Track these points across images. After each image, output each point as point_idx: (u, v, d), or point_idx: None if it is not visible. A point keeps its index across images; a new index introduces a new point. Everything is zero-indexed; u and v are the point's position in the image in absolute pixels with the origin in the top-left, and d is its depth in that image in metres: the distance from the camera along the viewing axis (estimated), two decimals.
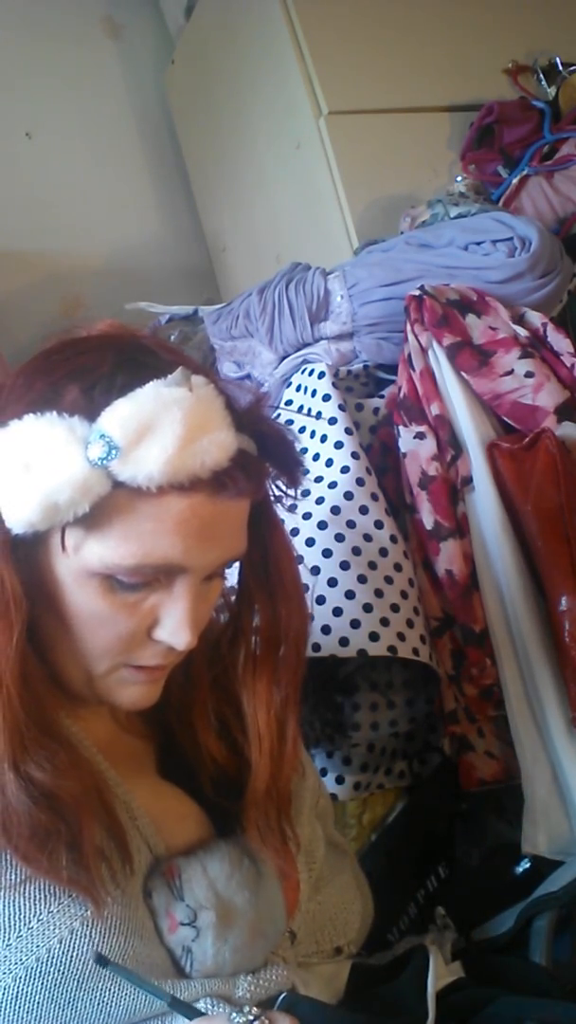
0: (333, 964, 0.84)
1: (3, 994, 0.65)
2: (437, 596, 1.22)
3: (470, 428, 1.23)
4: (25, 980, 0.65)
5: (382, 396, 1.36)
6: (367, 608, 1.12)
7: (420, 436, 1.24)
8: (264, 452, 0.72)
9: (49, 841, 0.65)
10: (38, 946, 0.65)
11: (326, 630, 1.10)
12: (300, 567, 0.81)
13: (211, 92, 1.99)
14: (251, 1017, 0.66)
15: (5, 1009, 0.65)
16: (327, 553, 1.15)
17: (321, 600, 1.12)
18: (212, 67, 1.97)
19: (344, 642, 1.10)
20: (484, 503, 1.21)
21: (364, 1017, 0.76)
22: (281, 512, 0.79)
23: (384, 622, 1.12)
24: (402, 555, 1.19)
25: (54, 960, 0.65)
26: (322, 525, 1.17)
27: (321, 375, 1.31)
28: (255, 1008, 0.67)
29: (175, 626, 0.70)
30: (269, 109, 1.81)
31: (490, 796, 1.21)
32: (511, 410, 1.23)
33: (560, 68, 1.72)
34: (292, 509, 0.80)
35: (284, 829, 0.80)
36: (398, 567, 1.18)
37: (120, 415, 0.64)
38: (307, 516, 1.19)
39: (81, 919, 0.66)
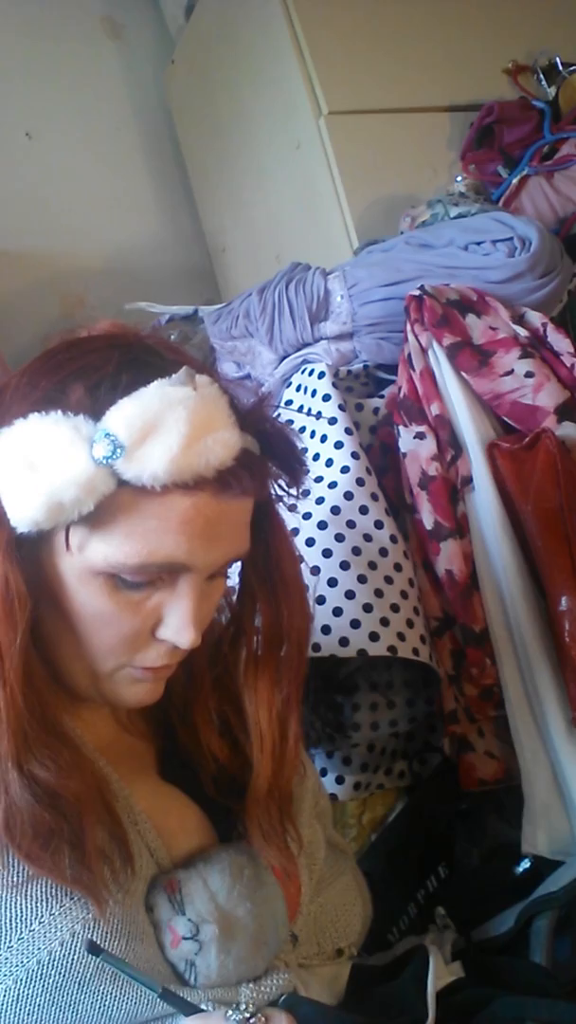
0: (334, 965, 0.84)
1: (3, 996, 0.65)
2: (437, 596, 1.22)
3: (470, 428, 1.23)
4: (26, 983, 0.65)
5: (382, 396, 1.36)
6: (367, 608, 1.12)
7: (420, 436, 1.24)
8: (267, 451, 0.72)
9: (52, 840, 0.65)
10: (39, 949, 0.65)
11: (326, 630, 1.10)
12: (301, 567, 0.81)
13: (211, 92, 1.99)
14: (247, 1015, 0.66)
15: (5, 1012, 0.65)
16: (327, 553, 1.15)
17: (321, 600, 1.12)
18: (212, 67, 1.97)
19: (344, 642, 1.10)
20: (484, 503, 1.21)
21: (364, 1018, 0.76)
22: (281, 512, 0.79)
23: (384, 622, 1.12)
24: (402, 555, 1.19)
25: (55, 963, 0.65)
26: (322, 525, 1.17)
27: (321, 375, 1.31)
28: (251, 1005, 0.67)
29: (179, 625, 0.70)
30: (269, 109, 1.81)
31: (490, 796, 1.20)
32: (511, 410, 1.23)
33: (560, 68, 1.72)
34: (293, 509, 0.80)
35: (286, 828, 0.80)
36: (398, 567, 1.18)
37: (125, 414, 0.64)
38: (307, 516, 1.19)
39: (83, 922, 0.66)
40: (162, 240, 2.20)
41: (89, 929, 0.66)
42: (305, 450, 0.76)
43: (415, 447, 1.24)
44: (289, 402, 1.35)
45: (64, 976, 0.65)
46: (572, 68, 1.71)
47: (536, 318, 1.30)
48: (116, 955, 0.66)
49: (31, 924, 0.66)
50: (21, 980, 0.65)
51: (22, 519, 0.64)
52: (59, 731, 0.69)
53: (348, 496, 1.19)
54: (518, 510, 1.19)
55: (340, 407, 1.26)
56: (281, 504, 0.78)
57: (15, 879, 0.66)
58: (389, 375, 1.36)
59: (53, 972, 0.65)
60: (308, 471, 0.77)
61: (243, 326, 1.44)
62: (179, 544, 0.66)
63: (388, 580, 1.16)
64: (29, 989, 0.65)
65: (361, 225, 1.64)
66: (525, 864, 1.14)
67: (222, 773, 0.81)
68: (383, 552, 1.17)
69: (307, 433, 1.28)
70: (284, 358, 1.42)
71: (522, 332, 1.28)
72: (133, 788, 0.75)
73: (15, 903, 0.66)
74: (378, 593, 1.14)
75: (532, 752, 1.15)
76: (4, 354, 1.69)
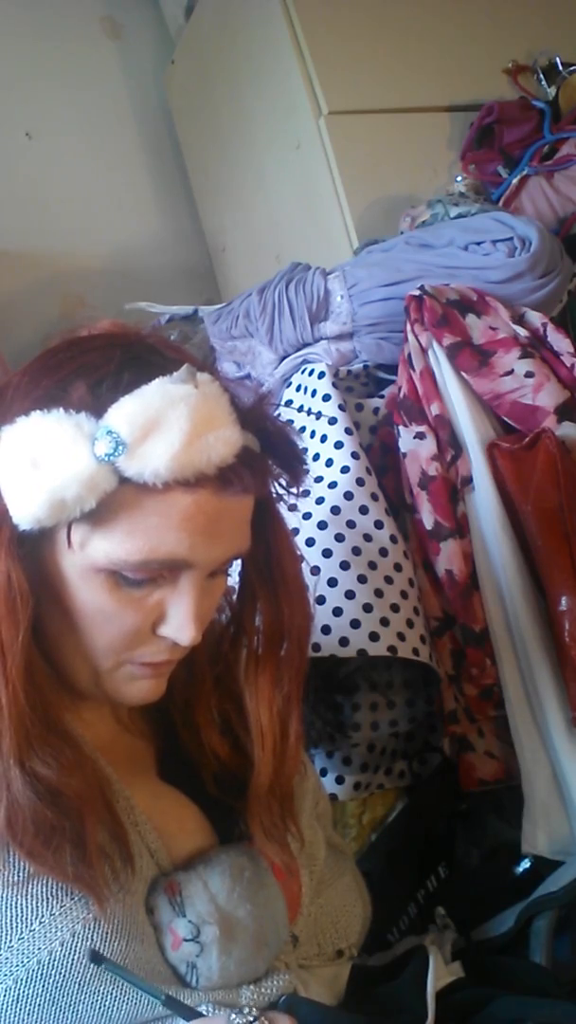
0: (334, 966, 0.84)
1: (3, 996, 0.65)
2: (437, 596, 1.22)
3: (470, 428, 1.23)
4: (26, 982, 0.65)
5: (382, 396, 1.36)
6: (367, 608, 1.12)
7: (420, 436, 1.24)
8: (268, 449, 0.72)
9: (54, 838, 0.65)
10: (39, 948, 0.65)
11: (326, 630, 1.10)
12: (302, 566, 0.82)
13: (211, 92, 1.99)
14: (251, 1018, 0.66)
15: (5, 1011, 0.65)
16: (327, 553, 1.15)
17: (321, 600, 1.12)
18: (212, 67, 1.97)
19: (344, 642, 1.10)
20: (484, 503, 1.21)
21: (364, 1018, 0.76)
22: (282, 512, 0.79)
23: (384, 622, 1.12)
24: (402, 555, 1.19)
25: (55, 963, 0.65)
26: (322, 525, 1.17)
27: (321, 375, 1.31)
28: (255, 1009, 0.67)
29: (180, 622, 0.70)
30: (269, 109, 1.81)
31: (490, 796, 1.21)
32: (511, 410, 1.23)
33: (560, 68, 1.72)
34: (293, 509, 0.80)
35: (288, 825, 0.80)
36: (398, 567, 1.18)
37: (127, 411, 0.64)
38: (307, 516, 1.19)
39: (83, 922, 0.66)
40: (162, 240, 2.20)
41: (90, 929, 0.66)
42: (305, 449, 0.76)
43: (415, 447, 1.24)
44: (289, 402, 1.35)
45: (64, 976, 0.65)
46: (572, 68, 1.71)
47: (536, 318, 1.30)
48: (117, 961, 0.66)
49: (31, 924, 0.66)
50: (21, 980, 0.65)
51: (24, 516, 0.64)
52: (61, 729, 0.70)
53: (348, 496, 1.19)
54: (518, 510, 1.19)
55: (340, 407, 1.26)
56: (281, 504, 0.79)
57: (15, 878, 0.66)
58: (389, 375, 1.36)
59: (53, 972, 0.65)
60: (308, 470, 0.77)
61: (243, 326, 1.44)
62: (180, 541, 0.67)
63: (388, 580, 1.16)
64: (29, 989, 0.65)
65: (361, 225, 1.64)
66: (525, 864, 1.15)
67: (223, 771, 0.81)
68: (383, 552, 1.17)
69: (307, 433, 1.28)
70: (284, 358, 1.42)
71: (522, 332, 1.28)
72: (133, 790, 0.75)
73: (15, 903, 0.66)
74: (378, 593, 1.14)
75: (532, 752, 1.15)
76: (4, 354, 1.69)
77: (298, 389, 1.35)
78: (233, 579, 0.81)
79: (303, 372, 1.37)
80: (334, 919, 0.85)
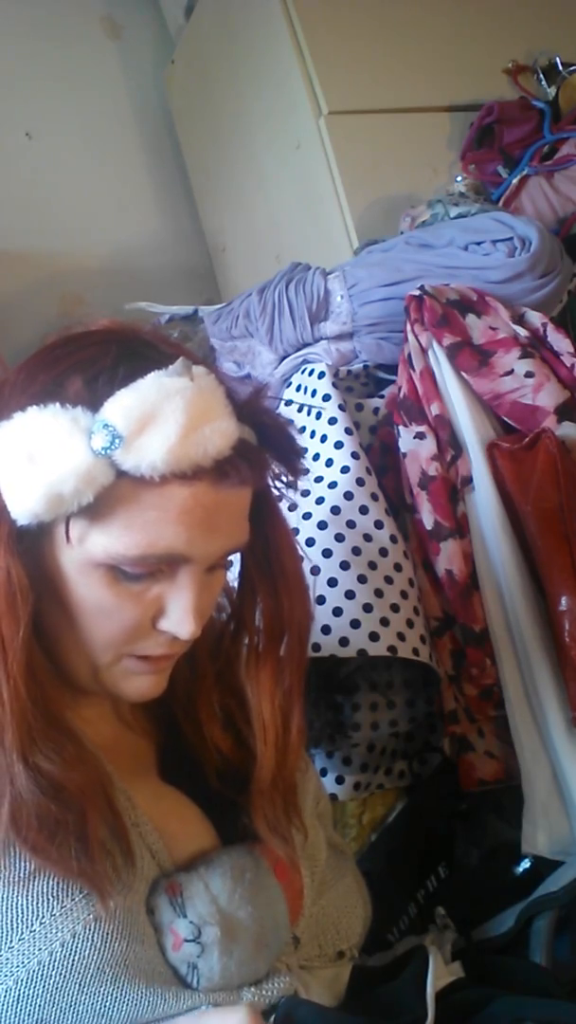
0: (334, 967, 0.84)
1: (4, 996, 0.65)
2: (437, 596, 1.22)
3: (470, 428, 1.23)
4: (27, 983, 0.65)
5: (382, 396, 1.36)
6: (367, 608, 1.12)
7: (420, 436, 1.24)
8: (265, 442, 0.72)
9: (58, 832, 0.65)
10: (40, 949, 0.65)
11: (326, 630, 1.10)
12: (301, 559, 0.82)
13: (211, 92, 1.99)
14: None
15: (6, 1012, 0.65)
16: (327, 553, 1.15)
17: (321, 600, 1.12)
18: (212, 67, 1.97)
19: (344, 642, 1.10)
20: (484, 503, 1.21)
21: (363, 1019, 0.76)
22: (280, 505, 0.79)
23: (384, 622, 1.12)
24: (402, 555, 1.19)
25: (56, 963, 0.65)
26: (322, 525, 1.17)
27: (321, 375, 1.31)
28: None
29: (180, 616, 0.70)
30: (269, 109, 1.80)
31: (490, 796, 1.20)
32: (511, 410, 1.23)
33: (560, 68, 1.72)
34: (293, 508, 0.80)
35: (291, 818, 0.80)
36: (398, 567, 1.18)
37: (123, 405, 0.64)
38: (307, 516, 1.19)
39: (83, 923, 0.66)
40: (162, 240, 2.20)
41: (90, 930, 0.66)
42: (305, 449, 0.76)
43: (415, 447, 1.24)
44: (289, 402, 1.35)
45: (64, 977, 0.65)
46: (572, 68, 1.71)
47: (536, 318, 1.30)
48: (118, 961, 0.66)
49: (32, 925, 0.65)
50: (21, 980, 0.65)
51: (22, 511, 0.64)
52: (62, 725, 0.70)
53: (348, 496, 1.19)
54: (518, 510, 1.19)
55: (340, 407, 1.26)
56: (281, 501, 0.79)
57: (16, 876, 0.66)
58: (389, 375, 1.36)
59: (54, 973, 0.65)
60: (306, 463, 0.77)
61: (243, 326, 1.44)
62: (179, 535, 0.67)
63: (388, 580, 1.16)
64: (29, 990, 0.65)
65: (361, 225, 1.64)
66: (525, 864, 1.15)
67: (226, 766, 0.81)
68: (383, 552, 1.17)
69: (307, 433, 1.28)
70: (284, 358, 1.42)
71: (522, 332, 1.28)
72: (134, 790, 0.75)
73: (16, 904, 0.66)
74: (378, 593, 1.14)
75: (532, 752, 1.15)
76: (4, 354, 1.69)
77: (298, 389, 1.35)
78: (233, 575, 0.81)
79: (303, 372, 1.37)
80: (335, 920, 0.85)
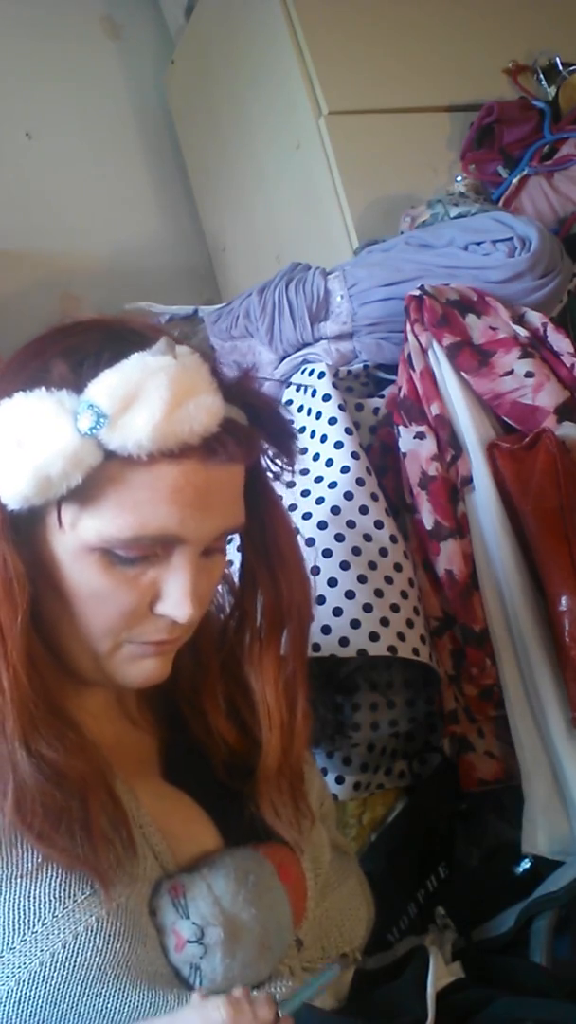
0: None
1: (6, 997, 0.65)
2: (437, 596, 1.22)
3: (470, 428, 1.23)
4: (28, 984, 0.65)
5: (382, 396, 1.36)
6: (367, 608, 1.12)
7: (420, 436, 1.24)
8: (256, 424, 0.72)
9: (62, 819, 0.65)
10: (42, 950, 0.65)
11: (326, 630, 1.10)
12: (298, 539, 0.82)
13: (211, 92, 1.99)
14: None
15: (8, 1012, 0.65)
16: (327, 553, 1.15)
17: (321, 600, 1.12)
18: (212, 67, 1.97)
19: (344, 642, 1.10)
20: (484, 503, 1.21)
21: (363, 1021, 0.76)
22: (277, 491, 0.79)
23: (384, 622, 1.12)
24: (402, 555, 1.19)
25: (58, 964, 0.65)
26: (322, 525, 1.17)
27: (321, 375, 1.31)
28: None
29: (177, 599, 0.69)
30: (269, 109, 1.80)
31: (490, 796, 1.20)
32: (511, 410, 1.23)
33: (560, 68, 1.72)
34: (291, 486, 0.80)
35: (298, 803, 0.80)
36: (398, 567, 1.18)
37: (107, 384, 0.65)
38: (307, 516, 1.19)
39: (86, 924, 0.66)
40: (162, 240, 2.20)
41: (93, 932, 0.66)
42: (302, 429, 0.77)
43: (415, 447, 1.24)
44: (289, 402, 1.35)
45: (67, 978, 0.65)
46: (572, 68, 1.71)
47: (536, 318, 1.30)
48: (120, 962, 0.66)
49: (34, 926, 0.65)
50: (23, 982, 0.65)
51: (12, 495, 0.65)
52: (64, 715, 0.69)
53: (348, 496, 1.19)
54: (518, 510, 1.19)
55: (340, 407, 1.26)
56: (278, 481, 0.79)
57: (21, 871, 0.66)
58: (389, 375, 1.36)
59: (56, 974, 0.65)
60: (299, 443, 0.77)
61: (243, 326, 1.44)
62: (171, 515, 0.67)
63: (388, 580, 1.16)
64: (31, 990, 0.65)
65: (361, 225, 1.64)
66: (525, 864, 1.14)
67: (233, 758, 0.81)
68: (383, 552, 1.17)
69: (307, 433, 1.28)
70: (284, 358, 1.42)
71: (522, 332, 1.28)
72: (138, 789, 0.75)
73: (19, 904, 0.66)
74: (378, 593, 1.14)
75: (532, 752, 1.15)
76: (4, 354, 1.69)
77: (298, 389, 1.35)
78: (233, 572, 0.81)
79: (303, 372, 1.37)
80: (339, 923, 0.85)
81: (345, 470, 1.21)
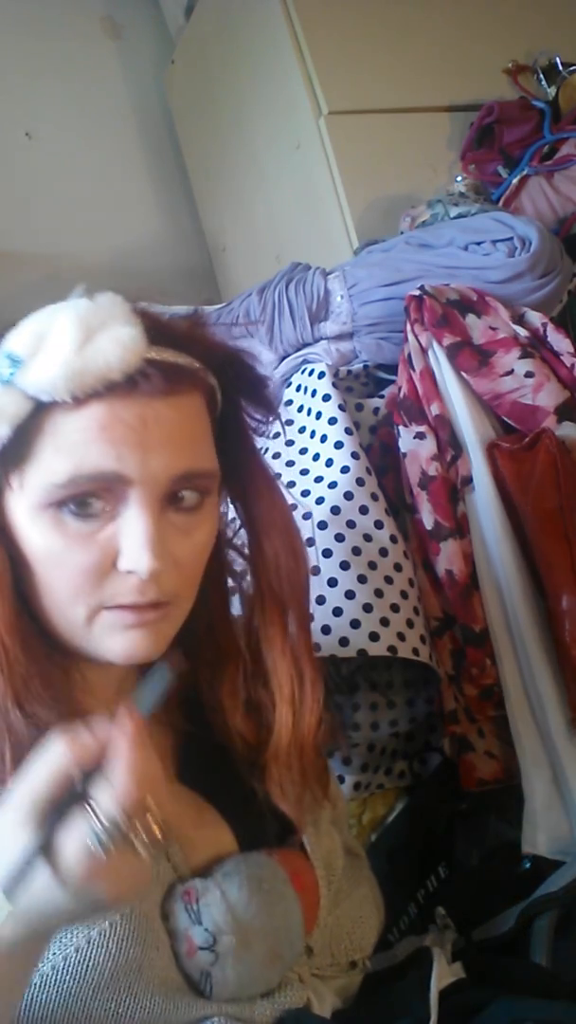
0: (346, 976, 0.84)
1: None
2: (437, 596, 1.22)
3: (470, 428, 1.23)
4: (40, 987, 0.64)
5: (382, 396, 1.35)
6: (367, 608, 1.12)
7: (420, 436, 1.24)
8: (218, 374, 0.72)
9: None
10: (54, 954, 0.64)
11: (326, 630, 1.10)
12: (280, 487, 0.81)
13: (211, 92, 1.99)
14: None
15: (19, 1016, 0.64)
16: (327, 553, 1.15)
17: (321, 600, 1.12)
18: (212, 67, 1.97)
19: (344, 642, 1.10)
20: (484, 503, 1.20)
21: None
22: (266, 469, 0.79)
23: (384, 622, 1.12)
24: (402, 555, 1.19)
25: (70, 968, 0.64)
26: (322, 525, 1.17)
27: (321, 375, 1.31)
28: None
29: (135, 549, 0.66)
30: (269, 109, 1.81)
31: (490, 796, 1.20)
32: (511, 410, 1.23)
33: (560, 68, 1.72)
34: (277, 436, 0.80)
35: (306, 781, 0.78)
36: (398, 567, 1.18)
37: (20, 331, 0.66)
38: (307, 516, 1.19)
39: (99, 929, 0.65)
40: (162, 240, 2.20)
41: (105, 936, 0.65)
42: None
43: (415, 447, 1.24)
44: (289, 402, 1.35)
45: (79, 982, 0.64)
46: (572, 68, 1.71)
47: (536, 318, 1.30)
48: (132, 967, 0.65)
49: None
50: (35, 985, 0.64)
51: None
52: (63, 688, 0.68)
53: (348, 496, 1.19)
54: (518, 510, 1.19)
55: (340, 407, 1.26)
56: (255, 433, 0.78)
57: None
58: (389, 375, 1.36)
59: (68, 978, 0.64)
60: (273, 391, 0.77)
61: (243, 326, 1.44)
62: (105, 453, 0.65)
63: (388, 580, 1.16)
64: (43, 994, 0.64)
65: (361, 225, 1.64)
66: (525, 864, 1.14)
67: (248, 752, 0.80)
68: (383, 552, 1.17)
69: (307, 433, 1.28)
70: (284, 358, 1.42)
71: (522, 332, 1.28)
72: None
73: None
74: (378, 593, 1.14)
75: (532, 752, 1.15)
76: None
77: (298, 389, 1.35)
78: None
79: (303, 372, 1.37)
80: (349, 930, 0.84)
81: (345, 470, 1.21)
